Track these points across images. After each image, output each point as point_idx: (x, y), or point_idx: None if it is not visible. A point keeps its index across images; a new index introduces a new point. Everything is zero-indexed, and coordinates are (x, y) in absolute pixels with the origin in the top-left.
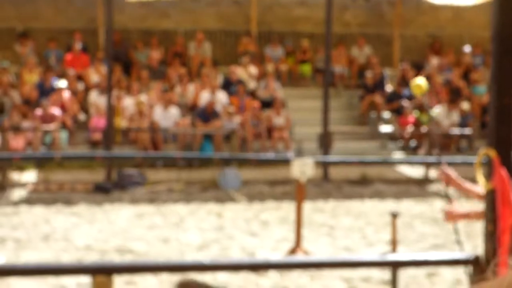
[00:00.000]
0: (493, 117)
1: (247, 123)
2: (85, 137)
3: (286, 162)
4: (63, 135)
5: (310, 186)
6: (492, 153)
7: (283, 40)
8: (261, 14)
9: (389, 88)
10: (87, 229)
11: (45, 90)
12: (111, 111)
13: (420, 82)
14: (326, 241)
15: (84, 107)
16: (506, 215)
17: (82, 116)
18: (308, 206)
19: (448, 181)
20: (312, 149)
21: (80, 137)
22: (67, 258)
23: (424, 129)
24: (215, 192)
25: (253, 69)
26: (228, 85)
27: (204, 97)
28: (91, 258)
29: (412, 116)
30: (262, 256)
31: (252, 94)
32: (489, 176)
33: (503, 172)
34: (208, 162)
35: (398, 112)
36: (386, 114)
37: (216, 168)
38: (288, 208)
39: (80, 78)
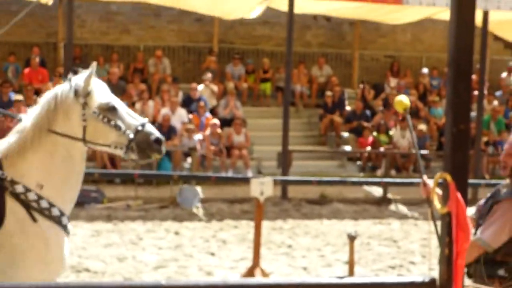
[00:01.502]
0: (449, 143)
1: (207, 141)
2: None
3: (245, 180)
4: None
5: (269, 205)
6: (448, 178)
7: (244, 58)
8: (223, 32)
9: (348, 108)
10: None
11: (2, 104)
12: None
13: (402, 98)
14: (284, 261)
15: None
16: (462, 239)
17: None
18: (267, 225)
19: (429, 193)
20: (272, 168)
21: None
22: None
23: (382, 149)
24: (173, 210)
25: (214, 87)
26: (188, 103)
27: (164, 114)
28: None
29: (371, 136)
30: (220, 276)
31: (212, 112)
32: (445, 199)
33: (459, 196)
34: (166, 179)
35: (357, 132)
36: (345, 134)
37: (175, 186)
38: (247, 227)
39: (38, 93)
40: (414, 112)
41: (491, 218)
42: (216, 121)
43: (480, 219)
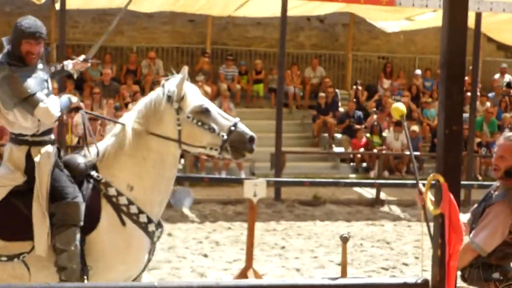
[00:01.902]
0: (441, 144)
1: None
2: None
3: (238, 182)
4: None
5: (262, 206)
6: (441, 179)
7: (237, 59)
8: (216, 33)
9: (342, 109)
10: None
11: None
12: (62, 128)
13: (398, 105)
14: (277, 263)
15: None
16: (454, 240)
17: None
18: (260, 227)
19: (425, 202)
20: (265, 169)
21: None
22: None
23: (375, 151)
24: (166, 211)
25: (207, 88)
26: None
27: None
28: None
29: (364, 138)
30: (213, 277)
31: None
32: (437, 201)
33: (451, 198)
34: None
35: (351, 133)
36: (339, 136)
37: None
38: (240, 228)
39: None
40: (407, 113)
41: (484, 221)
42: None
43: (473, 223)
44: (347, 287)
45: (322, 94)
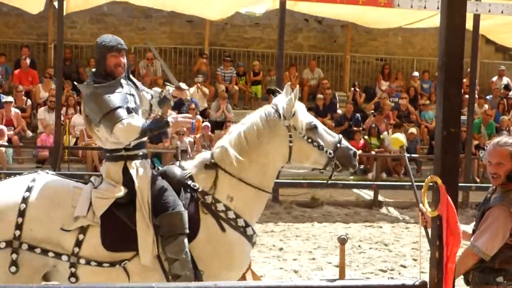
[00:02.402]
0: (439, 146)
1: (198, 143)
2: (32, 154)
3: None
4: (8, 152)
5: None
6: (438, 181)
7: (235, 60)
8: (214, 34)
9: (340, 111)
10: None
11: None
12: (60, 129)
13: (398, 136)
14: (275, 264)
15: (31, 124)
16: (452, 242)
17: (29, 133)
18: (257, 228)
19: (428, 223)
20: None
21: (26, 154)
22: None
23: (373, 153)
24: None
25: (205, 89)
26: (179, 105)
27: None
28: None
29: (362, 140)
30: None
31: (203, 114)
32: (435, 203)
33: (449, 200)
34: None
35: (348, 135)
36: None
37: None
38: None
39: (28, 94)
40: (405, 115)
41: (483, 225)
42: (207, 123)
43: (475, 227)
44: None
45: (320, 96)
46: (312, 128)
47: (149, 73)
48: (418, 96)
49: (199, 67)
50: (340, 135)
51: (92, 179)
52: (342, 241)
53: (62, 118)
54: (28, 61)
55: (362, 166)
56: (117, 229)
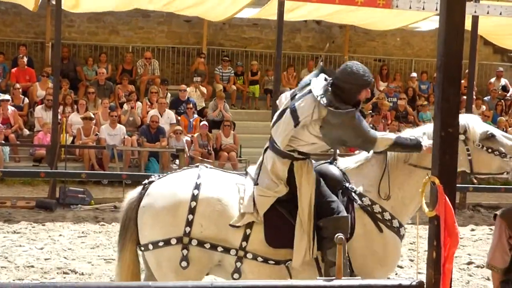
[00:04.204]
0: (437, 146)
1: (195, 142)
2: (29, 152)
3: None
4: (5, 150)
5: None
6: (436, 181)
7: (233, 60)
8: (212, 34)
9: None
10: (28, 248)
11: None
12: (57, 127)
13: None
14: None
15: (28, 122)
16: (449, 243)
17: (26, 131)
18: None
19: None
20: None
21: (23, 152)
22: (6, 278)
23: None
24: None
25: (203, 89)
26: (177, 104)
27: (152, 116)
28: (32, 278)
29: None
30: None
31: (201, 113)
32: (433, 203)
33: (447, 200)
34: None
35: None
36: None
37: None
38: None
39: (25, 92)
40: (403, 116)
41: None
42: (205, 122)
43: None
44: None
45: None
46: (490, 137)
47: (147, 72)
48: (416, 97)
49: (197, 67)
50: None
51: (250, 170)
52: (340, 240)
53: (59, 117)
54: (25, 59)
55: None
56: (279, 225)
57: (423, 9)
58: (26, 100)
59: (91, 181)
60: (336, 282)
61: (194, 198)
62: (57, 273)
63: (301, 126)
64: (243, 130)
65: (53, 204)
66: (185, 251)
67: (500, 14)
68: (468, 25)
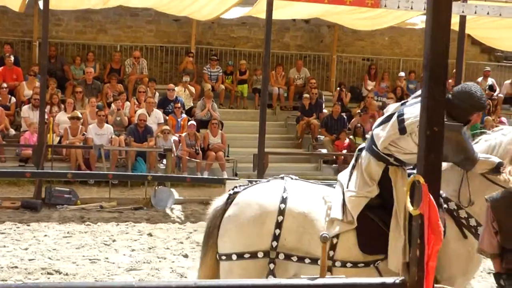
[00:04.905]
0: (422, 145)
1: (183, 142)
2: (15, 152)
3: (220, 182)
4: None
5: None
6: (421, 180)
7: (222, 59)
8: (201, 33)
9: (325, 110)
10: (12, 248)
11: None
12: (43, 127)
13: None
14: None
15: (15, 122)
16: (433, 241)
17: (12, 131)
18: None
19: None
20: (248, 170)
21: (9, 152)
22: None
23: None
24: (147, 211)
25: (191, 88)
26: (165, 103)
27: (140, 115)
28: (16, 279)
29: (347, 139)
30: (192, 278)
31: (189, 113)
32: (417, 201)
33: (431, 199)
34: (141, 180)
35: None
36: (322, 137)
37: (150, 187)
38: None
39: (12, 92)
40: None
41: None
42: (193, 122)
43: None
44: (326, 287)
45: (306, 95)
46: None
47: (135, 71)
48: (404, 96)
49: (186, 66)
50: None
51: (340, 178)
52: (324, 239)
53: (46, 116)
54: (12, 58)
55: (347, 166)
56: (372, 231)
57: (411, 8)
58: (13, 100)
59: (77, 181)
60: (320, 281)
61: (281, 212)
62: (41, 273)
63: (408, 134)
64: (231, 130)
65: (39, 204)
66: (272, 265)
67: (488, 13)
68: (455, 21)
